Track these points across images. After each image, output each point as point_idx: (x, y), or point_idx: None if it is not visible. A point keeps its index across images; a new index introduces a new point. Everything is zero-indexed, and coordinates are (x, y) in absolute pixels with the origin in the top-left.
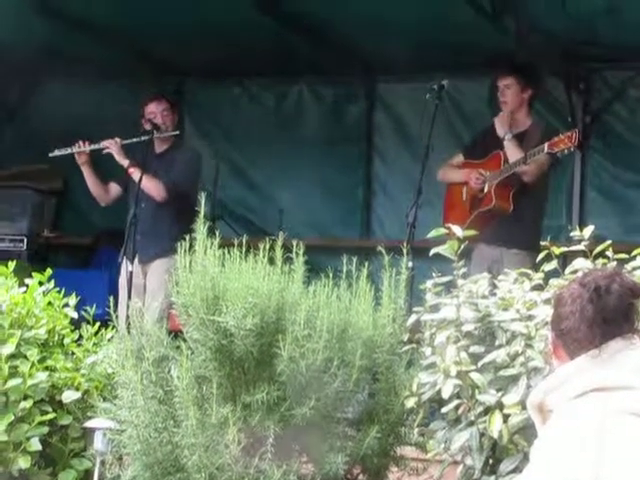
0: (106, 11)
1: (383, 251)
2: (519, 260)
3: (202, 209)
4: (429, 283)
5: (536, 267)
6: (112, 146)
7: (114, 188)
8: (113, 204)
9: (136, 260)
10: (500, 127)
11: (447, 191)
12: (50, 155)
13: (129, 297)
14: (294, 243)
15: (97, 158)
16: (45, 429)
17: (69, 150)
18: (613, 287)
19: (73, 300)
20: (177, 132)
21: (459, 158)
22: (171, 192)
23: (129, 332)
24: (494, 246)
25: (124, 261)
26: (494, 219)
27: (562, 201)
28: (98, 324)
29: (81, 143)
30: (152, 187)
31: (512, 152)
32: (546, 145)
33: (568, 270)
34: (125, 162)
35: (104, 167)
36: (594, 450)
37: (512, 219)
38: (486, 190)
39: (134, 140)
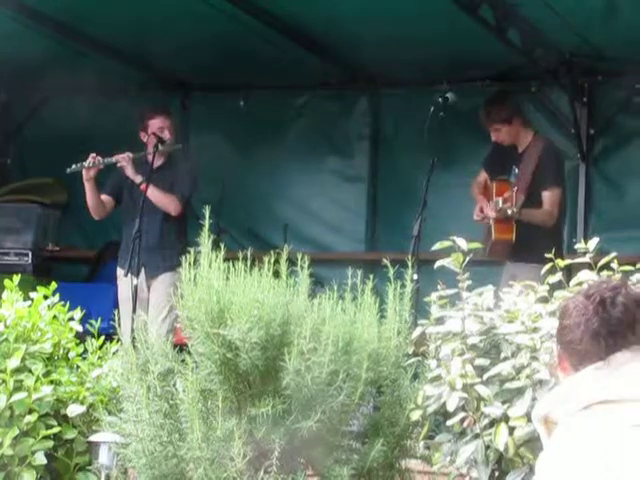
0: (110, 25)
1: (388, 264)
2: (537, 274)
3: (207, 222)
4: (434, 296)
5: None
6: (125, 161)
7: (108, 202)
8: (110, 217)
9: (141, 274)
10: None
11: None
12: (67, 171)
13: (134, 311)
14: (299, 256)
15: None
16: (50, 443)
17: (84, 165)
18: (618, 299)
19: (78, 314)
20: (180, 146)
21: (483, 174)
22: (184, 206)
23: (134, 346)
24: (514, 261)
25: (128, 276)
26: (506, 245)
27: (566, 213)
28: (103, 337)
29: (94, 157)
30: (169, 202)
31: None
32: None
33: (573, 282)
34: (138, 178)
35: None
36: (599, 464)
37: (523, 238)
38: (491, 222)
39: (142, 154)
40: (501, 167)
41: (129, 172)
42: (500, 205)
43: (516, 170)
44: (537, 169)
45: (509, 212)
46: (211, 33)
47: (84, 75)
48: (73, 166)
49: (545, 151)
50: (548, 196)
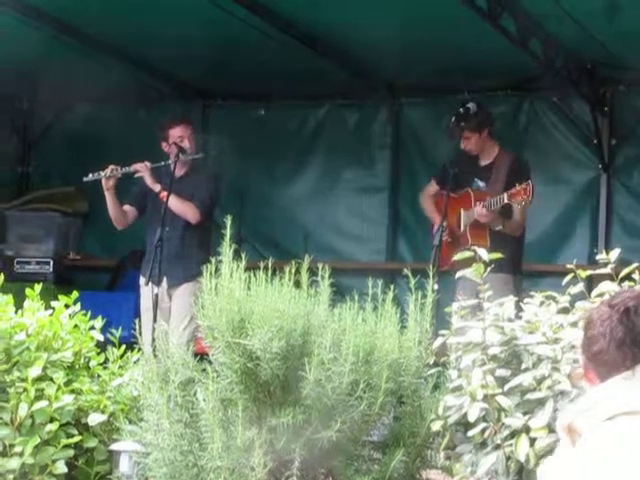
0: (131, 35)
1: (409, 274)
2: (503, 282)
3: (228, 232)
4: (455, 306)
5: (518, 289)
6: (144, 170)
7: (130, 211)
8: (130, 227)
9: (163, 283)
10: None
11: (432, 226)
12: (84, 180)
13: (155, 320)
14: (320, 266)
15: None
16: (71, 452)
17: (102, 175)
18: None
19: (99, 323)
20: (202, 155)
21: (433, 186)
22: (203, 214)
23: (155, 355)
24: None
25: (149, 284)
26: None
27: (587, 224)
28: (124, 346)
29: (113, 167)
30: (188, 210)
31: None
32: (506, 195)
33: (594, 293)
34: (157, 187)
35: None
36: (622, 475)
37: (495, 246)
38: (462, 229)
39: (162, 164)
40: (455, 180)
41: (148, 181)
42: (505, 200)
43: (479, 183)
44: (509, 180)
45: (520, 205)
46: (232, 42)
47: (107, 85)
48: (90, 175)
49: (514, 164)
50: (520, 207)
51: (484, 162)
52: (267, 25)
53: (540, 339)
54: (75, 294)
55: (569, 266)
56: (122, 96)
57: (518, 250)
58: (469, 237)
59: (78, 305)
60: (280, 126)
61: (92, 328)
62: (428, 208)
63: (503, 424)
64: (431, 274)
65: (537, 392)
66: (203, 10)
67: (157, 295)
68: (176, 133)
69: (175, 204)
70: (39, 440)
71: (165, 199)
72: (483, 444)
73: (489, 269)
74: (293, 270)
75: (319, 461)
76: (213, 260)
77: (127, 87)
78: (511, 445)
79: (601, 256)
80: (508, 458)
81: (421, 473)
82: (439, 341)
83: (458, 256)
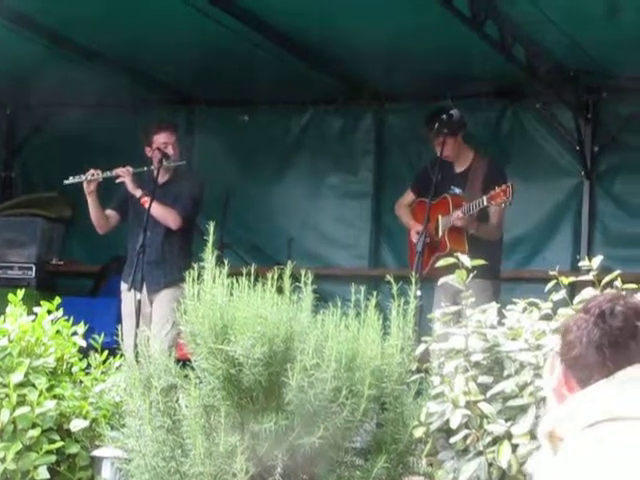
0: (115, 39)
1: (392, 280)
2: (481, 288)
3: (211, 237)
4: (437, 312)
5: (496, 294)
6: (125, 175)
7: (113, 216)
8: (113, 232)
9: (144, 289)
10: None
11: (408, 233)
12: (65, 183)
13: (137, 325)
14: (302, 272)
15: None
16: (53, 458)
17: (82, 178)
18: (617, 309)
19: (82, 328)
20: (184, 162)
21: (410, 196)
22: (184, 219)
23: (137, 361)
24: None
25: (131, 290)
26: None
27: (570, 231)
28: (106, 352)
29: (93, 171)
30: (168, 215)
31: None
32: (485, 198)
33: (577, 300)
34: (138, 192)
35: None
36: None
37: (474, 251)
38: (440, 235)
39: (145, 169)
40: (432, 190)
41: (129, 186)
42: (485, 203)
43: (456, 189)
44: (485, 185)
45: (500, 207)
46: (216, 48)
47: (90, 90)
48: (71, 178)
49: (491, 168)
50: (496, 211)
51: (459, 169)
52: (252, 32)
53: (522, 346)
54: (58, 300)
55: (552, 272)
56: (107, 101)
57: (496, 255)
58: (447, 242)
59: (61, 311)
60: (264, 131)
61: (74, 334)
62: (404, 217)
63: (485, 431)
64: (414, 281)
65: (519, 399)
66: (189, 17)
67: (139, 301)
68: (160, 139)
69: (156, 210)
70: (21, 446)
71: (146, 205)
72: (465, 451)
73: (474, 275)
74: (276, 276)
75: (301, 467)
76: (196, 266)
77: (112, 92)
78: (493, 452)
79: (583, 263)
80: (490, 465)
81: (403, 479)
82: (422, 347)
83: (441, 262)
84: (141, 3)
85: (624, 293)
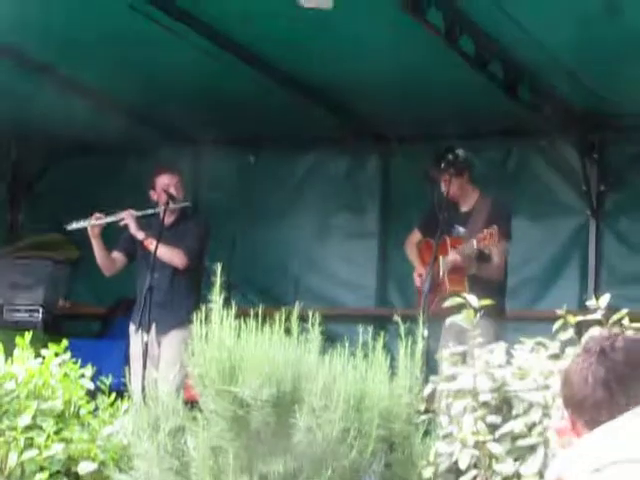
0: (119, 82)
1: (399, 320)
2: (485, 329)
3: (218, 278)
4: (445, 352)
5: (500, 335)
6: (128, 218)
7: (119, 258)
8: (120, 274)
9: (152, 330)
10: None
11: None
12: (68, 228)
13: (144, 367)
14: (310, 313)
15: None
16: None
17: (86, 223)
18: (617, 344)
19: (89, 371)
20: (188, 203)
21: (416, 235)
22: (191, 258)
23: (145, 403)
24: None
25: (139, 332)
26: None
27: (577, 269)
28: (114, 394)
29: (97, 215)
30: (174, 255)
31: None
32: (474, 241)
33: (584, 339)
34: (141, 234)
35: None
36: None
37: (474, 291)
38: (441, 275)
39: (148, 212)
40: (437, 228)
41: (132, 229)
42: (474, 246)
43: (460, 229)
44: (487, 225)
45: (487, 251)
46: (221, 89)
47: (97, 131)
48: (74, 224)
49: (494, 206)
50: (498, 251)
51: (464, 208)
52: (257, 73)
53: (531, 385)
54: (65, 343)
55: (559, 312)
56: (113, 145)
57: (499, 295)
58: (447, 283)
59: (68, 353)
60: (270, 172)
61: (82, 376)
62: (411, 256)
63: (494, 471)
64: (421, 321)
65: (528, 438)
66: (192, 57)
67: (147, 343)
68: (163, 181)
69: (162, 251)
70: None
71: (150, 247)
72: None
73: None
74: (283, 317)
75: None
76: (203, 307)
77: (117, 134)
78: None
79: (591, 302)
80: None
81: None
82: (430, 388)
83: (448, 303)
84: (150, 48)
85: (620, 331)
